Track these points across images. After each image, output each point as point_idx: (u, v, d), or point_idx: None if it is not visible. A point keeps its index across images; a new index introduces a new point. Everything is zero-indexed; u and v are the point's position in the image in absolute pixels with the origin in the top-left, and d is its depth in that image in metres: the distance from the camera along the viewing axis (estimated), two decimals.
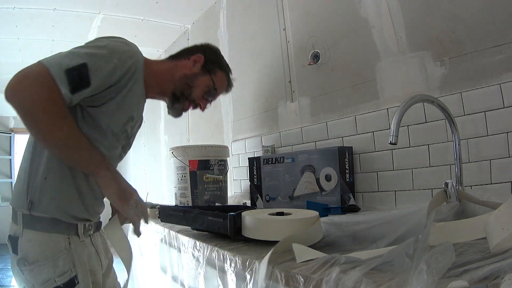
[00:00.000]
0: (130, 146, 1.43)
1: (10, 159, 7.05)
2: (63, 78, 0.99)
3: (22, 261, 1.10)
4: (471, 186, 1.21)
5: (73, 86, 1.01)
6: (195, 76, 1.39)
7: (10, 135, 7.00)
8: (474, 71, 1.23)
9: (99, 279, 1.28)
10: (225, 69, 1.50)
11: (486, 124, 1.19)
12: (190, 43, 3.24)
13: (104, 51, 1.09)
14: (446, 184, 1.08)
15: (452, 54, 1.29)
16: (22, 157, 1.19)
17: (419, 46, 1.39)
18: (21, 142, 6.96)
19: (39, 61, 1.00)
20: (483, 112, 1.20)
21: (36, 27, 3.08)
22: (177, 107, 1.39)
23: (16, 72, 0.98)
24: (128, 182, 1.19)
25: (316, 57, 1.84)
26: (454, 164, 1.15)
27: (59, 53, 1.05)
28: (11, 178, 6.96)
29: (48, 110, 0.98)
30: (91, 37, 3.24)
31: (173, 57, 1.44)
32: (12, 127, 6.99)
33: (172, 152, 2.08)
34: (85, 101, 1.11)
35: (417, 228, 1.01)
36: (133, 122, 1.31)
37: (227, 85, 1.53)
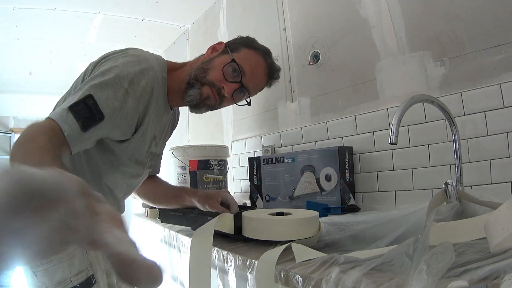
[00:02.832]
0: (158, 162, 1.40)
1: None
2: (66, 117, 0.87)
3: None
4: (471, 186, 1.21)
5: (84, 122, 0.89)
6: (212, 59, 1.21)
7: (10, 135, 6.99)
8: (474, 71, 1.23)
9: (114, 281, 1.23)
10: (256, 48, 1.25)
11: (486, 124, 1.19)
12: (190, 43, 3.26)
13: (110, 76, 0.96)
14: (446, 184, 1.08)
15: (452, 54, 1.29)
16: None
17: (419, 46, 1.39)
18: None
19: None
20: (483, 112, 1.20)
21: (36, 27, 3.08)
22: (192, 94, 1.17)
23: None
24: None
25: (316, 57, 1.84)
26: (454, 164, 1.15)
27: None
28: None
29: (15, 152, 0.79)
30: (91, 37, 3.27)
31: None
32: (12, 127, 6.97)
33: (172, 152, 2.08)
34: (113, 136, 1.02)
35: (417, 228, 1.01)
36: (157, 140, 1.23)
37: (265, 67, 1.25)
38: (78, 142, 0.89)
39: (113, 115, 0.95)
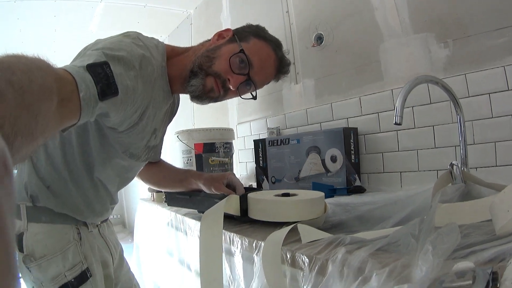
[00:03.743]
0: (158, 150, 1.35)
1: None
2: (84, 75, 0.70)
3: (28, 258, 1.00)
4: (476, 168, 1.21)
5: (102, 87, 0.73)
6: (218, 47, 1.11)
7: None
8: (478, 53, 1.22)
9: (111, 272, 1.20)
10: (267, 39, 1.16)
11: (490, 106, 1.18)
12: (193, 28, 3.24)
13: (121, 52, 0.84)
14: (452, 165, 1.08)
15: (455, 36, 1.27)
16: None
17: (422, 28, 1.38)
18: None
19: None
20: (488, 94, 1.19)
21: (37, 18, 3.05)
22: (194, 84, 1.08)
23: None
24: None
25: (319, 39, 1.83)
26: (459, 145, 1.15)
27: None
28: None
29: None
30: (94, 25, 3.24)
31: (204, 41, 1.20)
32: None
33: (178, 136, 2.09)
34: (110, 121, 0.91)
35: (422, 209, 1.02)
36: (157, 132, 1.17)
37: (274, 60, 1.16)
38: (89, 112, 0.72)
39: (126, 94, 0.83)
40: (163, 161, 1.47)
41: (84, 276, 1.04)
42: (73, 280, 1.02)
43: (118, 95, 0.79)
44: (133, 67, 0.86)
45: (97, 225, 1.18)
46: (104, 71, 0.75)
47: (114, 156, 1.07)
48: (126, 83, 0.82)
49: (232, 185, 1.28)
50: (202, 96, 1.11)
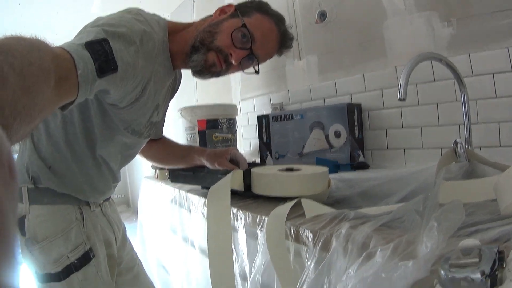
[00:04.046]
0: (160, 126, 1.35)
1: None
2: (82, 53, 0.70)
3: (30, 241, 1.00)
4: (480, 147, 1.20)
5: (100, 64, 0.72)
6: (220, 22, 1.09)
7: None
8: (482, 33, 1.21)
9: (114, 251, 1.20)
10: (270, 14, 1.13)
11: (494, 87, 1.18)
12: (196, 6, 3.19)
13: (121, 29, 0.82)
14: (456, 143, 1.07)
15: (459, 15, 1.25)
16: None
17: (426, 6, 1.36)
18: None
19: None
20: (491, 74, 1.18)
21: (39, 2, 3.01)
22: (196, 60, 1.06)
23: None
24: None
25: (322, 15, 1.80)
26: (463, 124, 1.14)
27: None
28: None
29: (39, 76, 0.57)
30: (96, 7, 3.18)
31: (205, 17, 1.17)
32: None
33: (180, 113, 2.08)
34: (110, 97, 0.91)
35: (426, 186, 1.02)
36: (159, 108, 1.15)
37: (277, 35, 1.14)
38: (87, 89, 0.71)
39: (126, 71, 0.82)
40: (166, 137, 1.47)
41: (87, 257, 1.04)
42: (76, 261, 1.02)
43: (118, 72, 0.78)
44: (133, 43, 0.84)
45: (99, 204, 1.17)
46: (103, 47, 0.74)
47: (116, 133, 1.06)
48: (126, 59, 0.81)
49: (235, 160, 1.28)
50: (203, 71, 1.10)
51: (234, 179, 1.15)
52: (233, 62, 1.08)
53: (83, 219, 1.06)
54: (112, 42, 0.77)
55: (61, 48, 0.68)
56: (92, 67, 0.71)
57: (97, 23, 0.83)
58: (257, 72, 1.18)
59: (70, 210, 1.05)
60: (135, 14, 0.92)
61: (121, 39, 0.81)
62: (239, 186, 1.16)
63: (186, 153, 1.40)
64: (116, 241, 1.23)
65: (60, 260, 1.00)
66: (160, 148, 1.43)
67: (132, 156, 1.25)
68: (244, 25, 1.06)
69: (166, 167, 1.51)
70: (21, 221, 1.00)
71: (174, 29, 1.08)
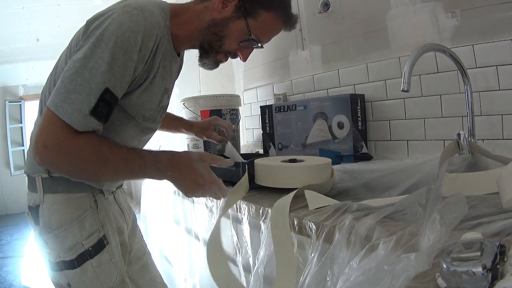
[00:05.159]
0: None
1: (22, 127, 7.05)
2: (89, 122, 0.85)
3: (45, 230, 1.01)
4: (483, 139, 1.20)
5: (105, 117, 0.88)
6: (225, 21, 1.05)
7: (20, 103, 6.95)
8: (485, 25, 1.20)
9: (125, 239, 1.21)
10: (274, 6, 1.07)
11: (498, 79, 1.17)
12: None
13: (118, 52, 0.86)
14: (459, 135, 1.07)
15: (463, 6, 1.25)
16: (34, 123, 1.06)
17: None
18: (31, 108, 6.89)
19: (52, 112, 0.83)
20: (495, 66, 1.17)
21: None
22: (207, 62, 1.12)
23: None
24: (188, 162, 0.99)
25: (326, 5, 1.79)
26: (466, 116, 1.14)
27: (71, 68, 0.85)
28: (23, 145, 7.00)
29: (87, 170, 0.90)
30: None
31: None
32: (21, 95, 6.94)
33: (184, 103, 2.08)
34: None
35: (429, 178, 1.02)
36: (169, 92, 1.16)
37: (284, 24, 1.12)
38: (101, 129, 0.91)
39: (124, 89, 0.93)
40: None
41: (101, 244, 1.05)
42: (90, 248, 1.02)
43: (119, 98, 0.91)
44: (131, 61, 0.89)
45: (112, 192, 1.18)
46: (105, 101, 0.86)
47: (129, 121, 1.06)
48: (125, 83, 0.91)
49: (220, 129, 1.39)
50: (213, 67, 1.15)
51: (240, 186, 1.15)
52: (243, 61, 1.13)
53: (97, 207, 1.07)
54: (112, 81, 0.86)
55: (74, 130, 0.84)
56: (99, 124, 0.88)
57: (99, 37, 0.86)
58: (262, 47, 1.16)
59: (85, 198, 1.05)
60: (133, 9, 0.91)
61: (118, 65, 0.87)
62: (245, 189, 1.17)
63: (176, 128, 1.50)
64: (127, 228, 1.24)
65: (75, 247, 1.01)
66: None
67: (146, 141, 1.25)
68: (251, 36, 1.06)
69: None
70: (36, 210, 1.02)
71: (175, 12, 1.07)
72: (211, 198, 1.05)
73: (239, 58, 1.13)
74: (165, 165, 0.96)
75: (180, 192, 1.03)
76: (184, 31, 1.07)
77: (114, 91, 0.87)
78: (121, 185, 1.27)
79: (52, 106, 0.83)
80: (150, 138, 1.25)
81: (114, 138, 1.02)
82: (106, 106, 0.86)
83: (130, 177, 0.99)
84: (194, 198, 1.07)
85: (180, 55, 1.20)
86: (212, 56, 1.10)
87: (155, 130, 1.21)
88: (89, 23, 0.93)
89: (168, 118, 1.49)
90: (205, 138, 1.36)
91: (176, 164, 0.97)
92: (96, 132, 0.89)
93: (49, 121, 0.83)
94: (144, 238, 1.40)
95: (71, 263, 1.02)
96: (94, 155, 0.87)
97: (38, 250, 1.05)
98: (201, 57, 1.11)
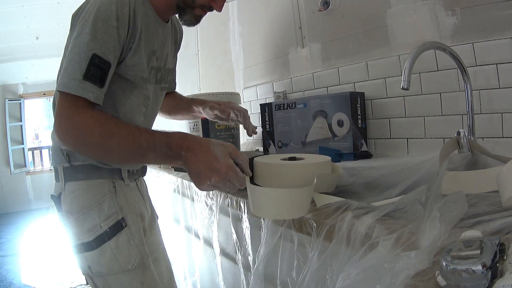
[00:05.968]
0: (172, 78, 1.42)
1: (21, 125, 7.09)
2: (85, 86, 0.92)
3: (66, 215, 1.08)
4: (483, 138, 1.20)
5: (100, 80, 0.94)
6: None
7: (20, 101, 6.97)
8: (486, 23, 1.20)
9: (145, 225, 1.25)
10: None
11: (498, 77, 1.17)
12: None
13: (98, 24, 0.95)
14: (458, 133, 1.07)
15: (463, 4, 1.25)
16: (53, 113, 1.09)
17: None
18: (31, 107, 6.91)
19: (59, 93, 0.93)
20: (495, 64, 1.17)
21: None
22: (187, 19, 1.17)
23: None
24: (214, 148, 0.89)
25: (326, 3, 1.79)
26: (466, 114, 1.14)
27: (66, 55, 0.97)
28: (22, 144, 7.06)
29: (93, 144, 0.92)
30: None
31: None
32: (21, 93, 6.95)
33: None
34: None
35: (429, 176, 1.02)
36: (157, 54, 1.19)
37: None
38: (102, 95, 0.96)
39: (115, 54, 0.99)
40: (176, 92, 1.55)
41: (119, 226, 1.10)
42: (108, 230, 1.08)
43: (111, 63, 0.97)
44: (113, 28, 0.97)
45: (134, 179, 1.23)
46: (95, 65, 0.93)
47: (133, 87, 1.12)
48: (112, 48, 0.97)
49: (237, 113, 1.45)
50: (194, 24, 1.20)
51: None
52: (218, 11, 1.18)
53: (116, 191, 1.13)
54: (98, 47, 0.94)
55: (72, 95, 0.91)
56: (96, 88, 0.94)
57: (83, 27, 0.96)
58: None
59: (104, 183, 1.12)
60: None
61: (102, 33, 0.95)
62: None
63: (187, 105, 1.51)
64: (146, 216, 1.28)
65: (93, 229, 1.07)
66: (169, 100, 1.50)
67: (153, 115, 1.29)
68: None
69: (172, 119, 1.60)
70: (58, 198, 1.11)
71: None
72: (226, 190, 0.91)
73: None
74: (178, 143, 0.89)
75: (180, 190, 1.03)
76: (164, 1, 1.14)
77: (102, 56, 0.94)
78: (143, 173, 1.33)
79: (58, 87, 0.92)
80: (155, 115, 1.31)
81: (121, 109, 1.10)
82: (98, 69, 0.94)
83: (138, 156, 0.93)
84: (194, 196, 1.07)
85: (171, 23, 1.28)
86: (189, 13, 1.15)
87: (155, 96, 1.25)
88: (73, 16, 1.02)
89: (184, 100, 1.55)
90: (219, 118, 1.42)
91: (190, 143, 0.89)
92: (98, 99, 0.94)
93: (59, 102, 0.93)
94: None
95: (89, 245, 1.08)
96: (98, 127, 0.90)
97: (64, 236, 1.12)
98: (181, 16, 1.17)
